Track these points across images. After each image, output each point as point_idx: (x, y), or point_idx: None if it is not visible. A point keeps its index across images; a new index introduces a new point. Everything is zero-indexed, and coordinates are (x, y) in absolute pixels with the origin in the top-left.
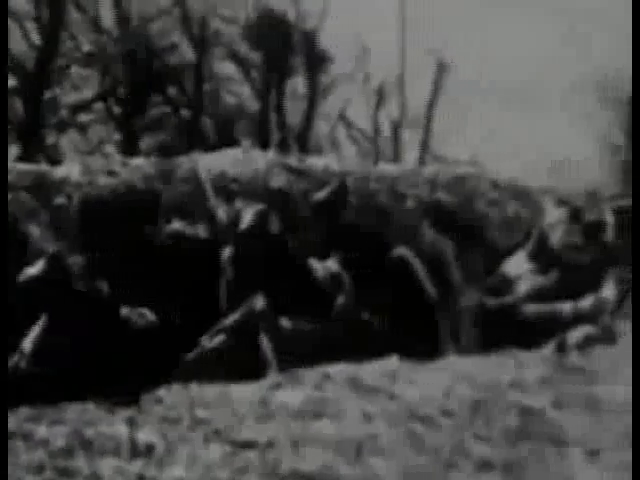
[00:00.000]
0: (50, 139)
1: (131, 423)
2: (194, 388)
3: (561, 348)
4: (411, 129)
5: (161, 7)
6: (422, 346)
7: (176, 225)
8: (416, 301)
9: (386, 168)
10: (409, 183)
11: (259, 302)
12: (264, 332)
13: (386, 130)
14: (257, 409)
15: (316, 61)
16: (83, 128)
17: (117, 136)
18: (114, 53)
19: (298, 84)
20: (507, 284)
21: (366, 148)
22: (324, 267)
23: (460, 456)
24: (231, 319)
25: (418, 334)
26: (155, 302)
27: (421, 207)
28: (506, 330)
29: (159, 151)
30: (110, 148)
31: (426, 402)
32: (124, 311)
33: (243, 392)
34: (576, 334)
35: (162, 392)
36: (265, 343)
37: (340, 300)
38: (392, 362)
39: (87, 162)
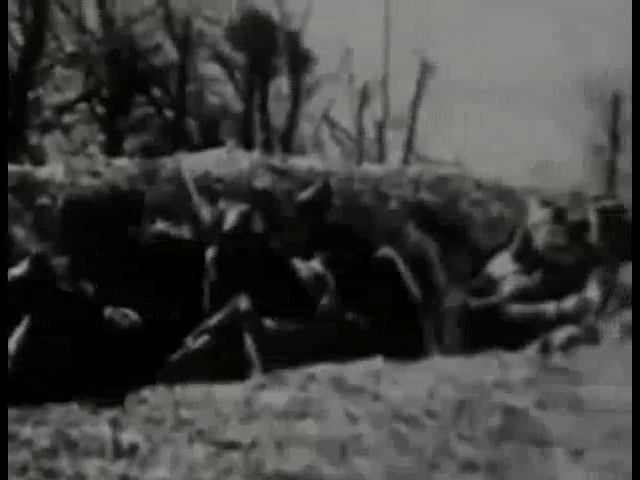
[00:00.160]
0: (34, 140)
1: (115, 424)
2: (178, 389)
3: (545, 348)
4: (395, 129)
5: (145, 8)
6: (406, 346)
7: (160, 225)
8: (400, 301)
9: (370, 168)
10: (393, 183)
11: (243, 302)
12: (248, 332)
13: (370, 130)
14: (241, 410)
15: (300, 61)
16: (67, 129)
17: (101, 137)
18: (98, 54)
19: (282, 85)
20: (491, 284)
21: (350, 148)
22: (308, 267)
23: (444, 456)
24: (215, 319)
25: (402, 334)
26: (139, 302)
27: (405, 207)
28: (490, 330)
29: (143, 152)
30: (94, 149)
31: (410, 402)
32: (108, 312)
33: (227, 393)
34: (560, 334)
35: (146, 393)
36: (249, 343)
37: (324, 300)
38: (376, 362)
39: (71, 163)
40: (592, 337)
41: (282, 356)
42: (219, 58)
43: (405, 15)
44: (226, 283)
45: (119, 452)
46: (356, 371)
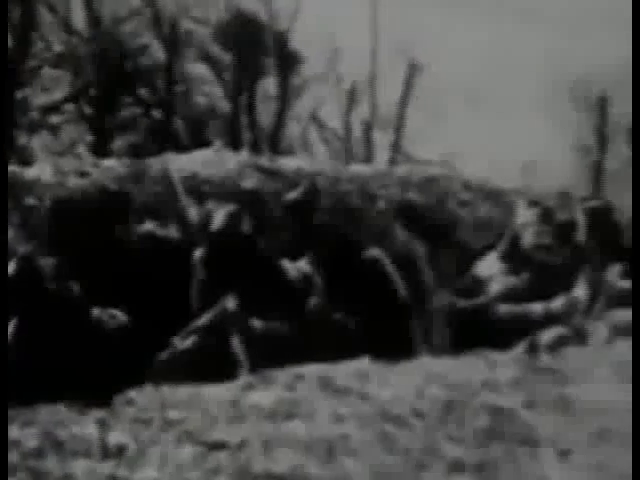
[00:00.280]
0: (21, 140)
1: (102, 424)
2: (166, 389)
3: (533, 348)
4: (383, 130)
5: (132, 8)
6: (394, 347)
7: (148, 226)
8: (388, 302)
9: (358, 169)
10: (381, 184)
11: (231, 303)
12: (236, 333)
13: (358, 131)
14: (229, 410)
15: (288, 62)
16: (54, 129)
17: (89, 137)
18: (85, 54)
19: (270, 85)
20: (479, 285)
21: (338, 149)
22: (296, 268)
23: (432, 456)
24: (203, 320)
25: (390, 335)
26: (127, 303)
27: (393, 208)
28: (478, 331)
29: (131, 152)
30: (82, 149)
31: (398, 402)
32: (96, 312)
33: (215, 393)
34: (548, 334)
35: (134, 393)
36: (237, 344)
37: (312, 301)
38: (364, 362)
39: (58, 163)
40: (580, 337)
41: (270, 356)
42: (207, 58)
43: (393, 15)
44: (214, 283)
45: (107, 452)
46: (344, 371)
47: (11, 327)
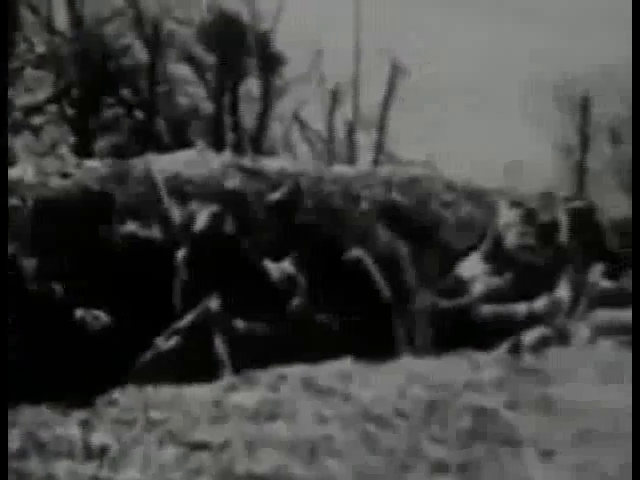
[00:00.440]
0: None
1: (85, 425)
2: (148, 390)
3: (515, 349)
4: (366, 130)
5: (115, 8)
6: (377, 347)
7: (130, 226)
8: (371, 302)
9: (341, 169)
10: (364, 184)
11: (214, 303)
12: (219, 333)
13: (341, 131)
14: (211, 410)
15: (270, 62)
16: (36, 130)
17: (71, 138)
18: (68, 54)
19: (253, 85)
20: (462, 285)
21: (321, 149)
22: (279, 268)
23: (415, 457)
24: (186, 320)
25: (373, 335)
26: (110, 303)
27: (376, 208)
28: (461, 331)
29: (113, 152)
30: (64, 150)
31: (381, 403)
32: (78, 313)
33: (198, 393)
34: (530, 335)
35: (117, 394)
36: (220, 344)
37: (295, 301)
38: (347, 363)
39: (41, 164)
40: (562, 337)
41: (253, 357)
42: (189, 59)
43: (376, 16)
44: (197, 284)
45: (89, 453)
46: (327, 372)
47: None
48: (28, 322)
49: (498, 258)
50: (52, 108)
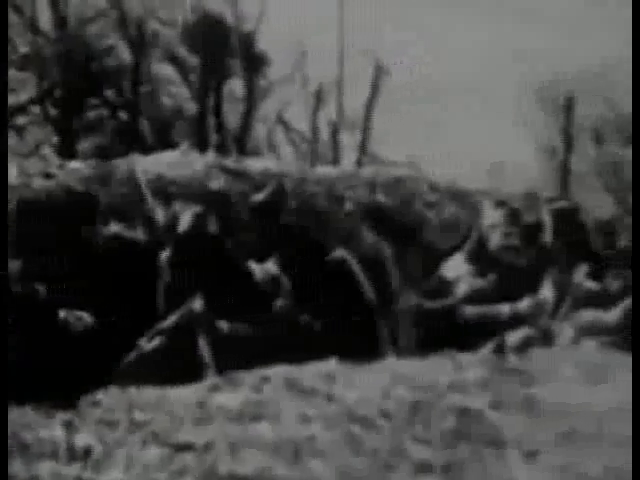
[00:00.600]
0: None
1: (69, 426)
2: (132, 391)
3: (499, 349)
4: (350, 131)
5: (98, 9)
6: (361, 348)
7: (114, 227)
8: (355, 303)
9: (324, 170)
10: (347, 185)
11: (197, 304)
12: (202, 334)
13: (325, 132)
14: (195, 411)
15: (254, 63)
16: (20, 131)
17: (54, 138)
18: (51, 55)
19: (236, 86)
20: (446, 286)
21: (304, 150)
22: (263, 269)
23: (399, 458)
24: (169, 321)
25: (357, 336)
26: (93, 304)
27: (359, 209)
28: (445, 332)
29: (97, 153)
30: (47, 150)
31: (365, 404)
32: (62, 314)
33: (181, 394)
34: (514, 335)
35: (100, 395)
36: (203, 345)
37: (279, 302)
38: (331, 364)
39: (24, 164)
40: (546, 338)
41: (236, 357)
42: (173, 59)
43: (360, 17)
44: (180, 285)
45: (73, 455)
46: (310, 372)
47: None
48: (11, 323)
49: (482, 259)
50: (35, 109)
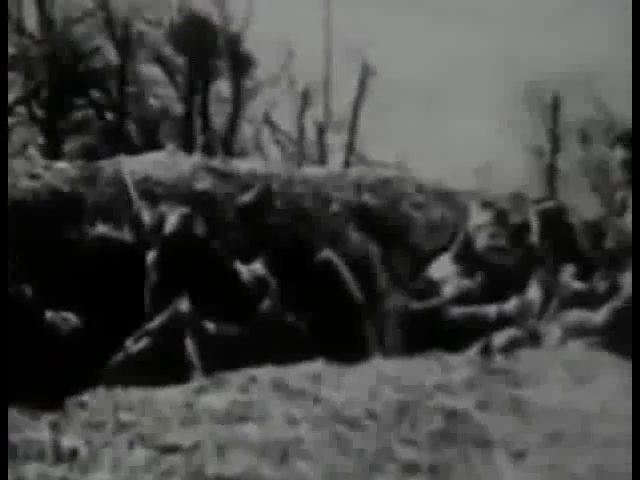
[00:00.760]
0: None
1: (55, 428)
2: (119, 392)
3: (486, 350)
4: (336, 132)
5: (85, 10)
6: (347, 348)
7: (100, 228)
8: (342, 304)
9: (311, 171)
10: (334, 186)
11: (184, 305)
12: (189, 335)
13: (311, 133)
14: (182, 413)
15: (241, 64)
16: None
17: (40, 139)
18: (37, 56)
19: (223, 87)
20: (432, 287)
21: (291, 151)
22: (249, 270)
23: (385, 458)
24: (156, 322)
25: (344, 337)
26: (80, 305)
27: (346, 210)
28: (432, 332)
29: (83, 154)
30: (33, 151)
31: (351, 404)
32: (48, 315)
33: (168, 396)
34: (501, 336)
35: (86, 396)
36: (190, 346)
37: (265, 303)
38: (317, 365)
39: (10, 165)
40: (533, 339)
41: (223, 358)
42: (160, 60)
43: (347, 18)
44: (167, 286)
45: (59, 456)
46: (297, 373)
47: None
48: None
49: (469, 259)
50: (21, 109)
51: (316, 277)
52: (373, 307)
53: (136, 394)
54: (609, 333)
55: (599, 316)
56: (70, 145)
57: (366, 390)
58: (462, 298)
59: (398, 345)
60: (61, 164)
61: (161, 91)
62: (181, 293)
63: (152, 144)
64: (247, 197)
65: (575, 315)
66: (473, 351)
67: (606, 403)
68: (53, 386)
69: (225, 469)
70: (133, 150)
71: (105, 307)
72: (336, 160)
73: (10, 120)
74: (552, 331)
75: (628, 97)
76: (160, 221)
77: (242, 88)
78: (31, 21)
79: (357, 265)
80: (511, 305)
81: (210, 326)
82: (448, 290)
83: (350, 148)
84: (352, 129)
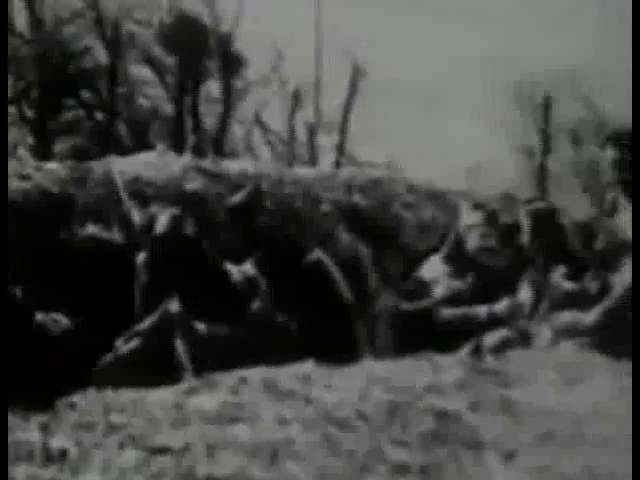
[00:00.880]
0: None
1: (45, 429)
2: (109, 393)
3: (477, 351)
4: (327, 132)
5: (74, 10)
6: (338, 349)
7: (91, 229)
8: (332, 304)
9: (302, 171)
10: (325, 186)
11: (174, 305)
12: (179, 336)
13: (302, 133)
14: (172, 414)
15: (231, 64)
16: None
17: (30, 139)
18: (27, 56)
19: (213, 87)
20: (423, 287)
21: (282, 151)
22: (240, 270)
23: (376, 459)
24: (146, 323)
25: (334, 337)
26: (70, 306)
27: (337, 210)
28: (422, 333)
29: (73, 154)
30: (23, 152)
31: (342, 405)
32: (39, 316)
33: (158, 397)
34: (492, 337)
35: (76, 397)
36: (180, 347)
37: (256, 303)
38: (308, 365)
39: None
40: (524, 339)
41: (214, 359)
42: (150, 60)
43: (338, 18)
44: (157, 286)
45: (49, 457)
46: (288, 374)
47: None
48: None
49: (460, 260)
50: (11, 110)
51: (307, 277)
52: (364, 308)
53: (126, 395)
54: (600, 334)
55: (590, 317)
56: (60, 146)
57: (357, 391)
58: (453, 298)
59: (389, 346)
60: (51, 165)
61: (151, 91)
62: (171, 294)
63: (142, 144)
64: (237, 197)
65: (566, 316)
66: (464, 352)
67: (597, 404)
68: (43, 387)
69: (215, 470)
70: (123, 150)
71: (95, 308)
72: (327, 161)
73: None
74: (543, 332)
75: (619, 97)
76: (150, 221)
77: (232, 88)
78: (21, 21)
79: (348, 265)
80: (502, 306)
81: (200, 327)
82: (439, 290)
83: (341, 149)
84: (343, 130)
